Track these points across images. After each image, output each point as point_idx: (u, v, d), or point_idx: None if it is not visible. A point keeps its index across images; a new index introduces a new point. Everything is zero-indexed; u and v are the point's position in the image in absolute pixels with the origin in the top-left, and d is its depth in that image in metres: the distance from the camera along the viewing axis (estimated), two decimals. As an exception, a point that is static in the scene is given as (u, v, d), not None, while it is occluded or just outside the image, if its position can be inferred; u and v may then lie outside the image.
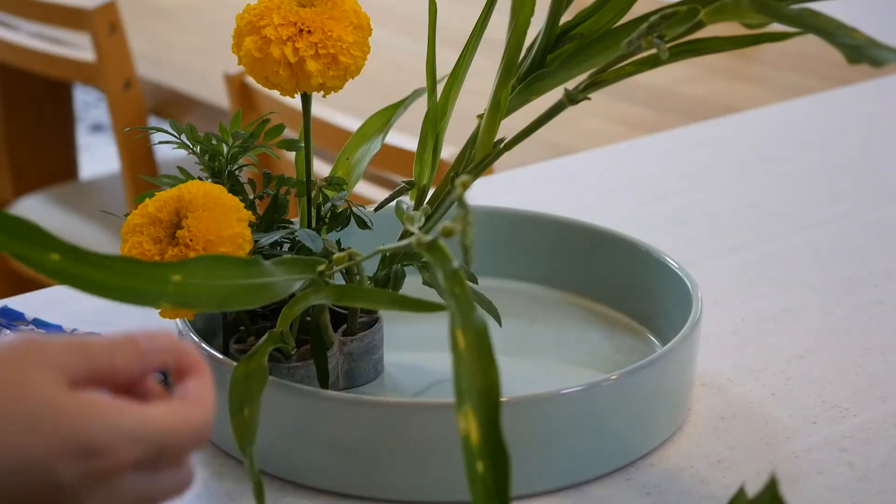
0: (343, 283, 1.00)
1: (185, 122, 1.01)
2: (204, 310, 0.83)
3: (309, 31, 0.96)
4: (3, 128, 2.69)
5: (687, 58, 0.93)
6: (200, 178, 0.99)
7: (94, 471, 0.61)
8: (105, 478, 0.61)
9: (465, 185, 0.78)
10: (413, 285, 1.02)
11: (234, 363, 0.89)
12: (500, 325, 1.01)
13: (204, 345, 0.97)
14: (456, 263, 0.78)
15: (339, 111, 1.96)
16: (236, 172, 1.01)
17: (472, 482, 0.70)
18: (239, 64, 0.98)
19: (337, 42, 0.96)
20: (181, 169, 1.01)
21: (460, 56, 1.02)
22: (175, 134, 1.00)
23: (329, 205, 1.02)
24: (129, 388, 0.65)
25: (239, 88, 2.08)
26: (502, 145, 0.99)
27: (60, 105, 2.92)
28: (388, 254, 1.02)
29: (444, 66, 1.03)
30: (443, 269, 0.78)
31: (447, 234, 0.78)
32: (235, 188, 1.00)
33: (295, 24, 0.96)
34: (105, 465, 0.61)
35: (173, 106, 2.42)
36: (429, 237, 0.80)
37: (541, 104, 1.00)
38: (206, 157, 1.01)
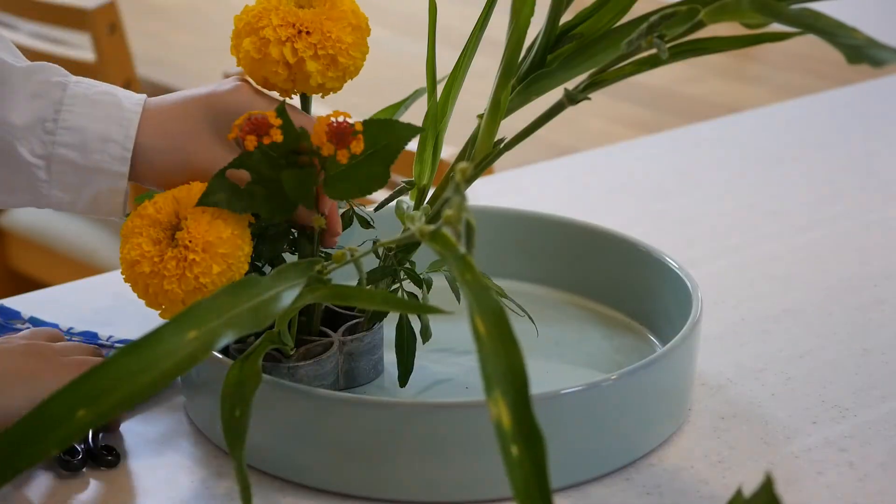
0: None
1: (185, 122, 1.01)
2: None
3: (308, 32, 0.96)
4: (3, 128, 2.68)
5: (687, 58, 0.93)
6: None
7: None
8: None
9: (464, 172, 0.77)
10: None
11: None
12: (534, 323, 1.02)
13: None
14: (462, 250, 0.77)
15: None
16: (236, 172, 1.01)
17: (509, 467, 0.68)
18: (238, 65, 0.98)
19: (336, 43, 0.96)
20: (181, 169, 1.01)
21: (460, 56, 1.02)
22: (175, 134, 1.00)
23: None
24: None
25: (239, 88, 2.08)
26: (502, 145, 0.99)
27: (60, 105, 2.90)
28: (390, 252, 1.02)
29: (444, 66, 1.03)
30: (451, 258, 0.77)
31: (449, 221, 0.77)
32: (235, 188, 1.00)
33: (294, 25, 0.96)
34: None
35: (173, 106, 2.41)
36: (431, 227, 0.79)
37: (541, 104, 1.00)
38: (206, 157, 1.00)
